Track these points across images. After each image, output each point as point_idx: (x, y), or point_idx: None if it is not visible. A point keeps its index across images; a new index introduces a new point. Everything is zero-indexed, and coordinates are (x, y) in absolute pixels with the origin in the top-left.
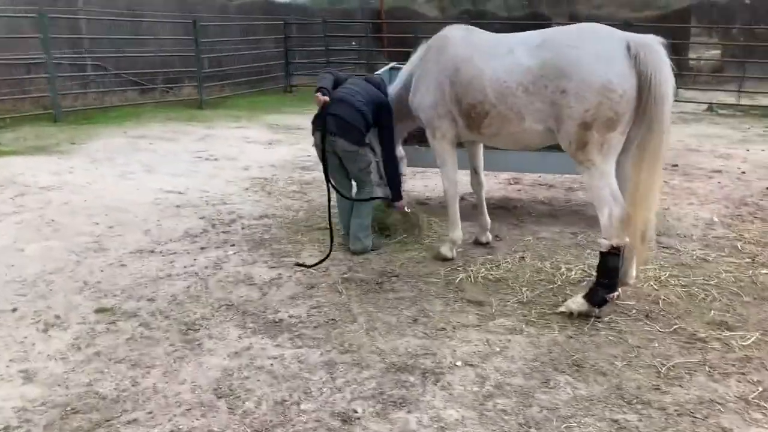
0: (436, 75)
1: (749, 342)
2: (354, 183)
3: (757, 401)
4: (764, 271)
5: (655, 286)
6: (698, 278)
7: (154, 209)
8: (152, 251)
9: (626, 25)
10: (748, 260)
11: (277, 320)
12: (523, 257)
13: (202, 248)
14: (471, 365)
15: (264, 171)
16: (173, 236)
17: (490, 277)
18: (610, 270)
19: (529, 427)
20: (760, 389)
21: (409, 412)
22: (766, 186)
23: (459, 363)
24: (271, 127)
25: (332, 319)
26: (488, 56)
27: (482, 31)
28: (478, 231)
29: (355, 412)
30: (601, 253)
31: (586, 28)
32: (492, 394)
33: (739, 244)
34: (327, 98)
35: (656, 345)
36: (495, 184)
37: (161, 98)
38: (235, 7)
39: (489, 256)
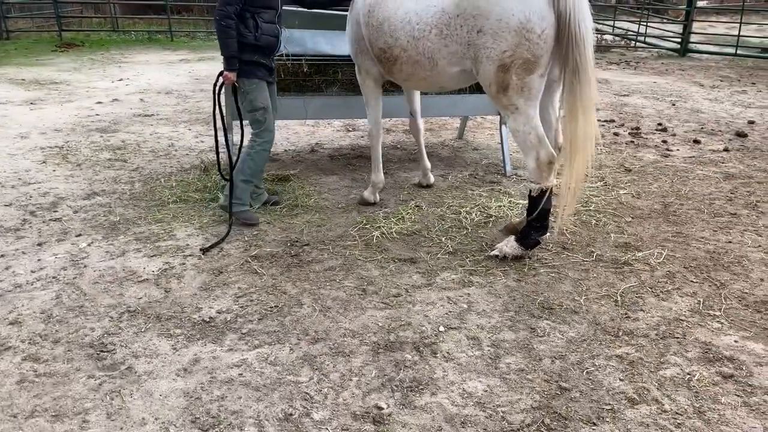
0: (356, 9)
1: (662, 259)
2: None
3: (706, 311)
4: (622, 192)
5: (551, 219)
6: (578, 206)
7: None
8: None
9: None
10: (600, 183)
11: (207, 319)
12: (418, 206)
13: (38, 244)
14: (454, 328)
15: (51, 138)
16: None
17: (404, 231)
18: (541, 212)
19: (558, 382)
20: (700, 299)
21: (433, 394)
22: None
23: (442, 328)
24: (15, 82)
25: (274, 306)
26: None
27: None
28: (420, 174)
29: (380, 408)
30: (531, 196)
31: None
32: (498, 356)
33: None
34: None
35: (595, 275)
36: (332, 132)
37: None
38: None
39: (386, 209)
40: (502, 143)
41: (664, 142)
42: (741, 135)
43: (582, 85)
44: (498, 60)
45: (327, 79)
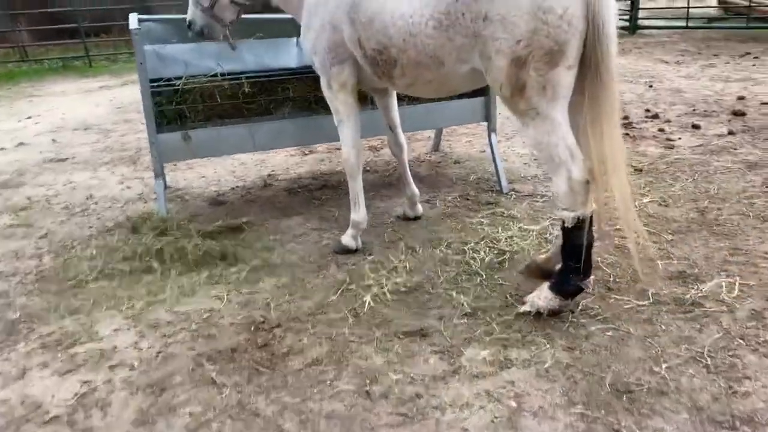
0: (331, 9)
1: (735, 292)
2: None
3: None
4: (646, 200)
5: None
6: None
7: None
8: None
9: None
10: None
11: None
12: (411, 248)
13: None
14: None
15: None
16: None
17: (402, 287)
18: (577, 249)
19: None
20: None
21: None
22: None
23: None
24: None
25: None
26: None
27: None
28: (405, 204)
29: None
30: (566, 228)
31: None
32: None
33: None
34: None
35: (663, 327)
36: (286, 158)
37: None
38: None
39: (372, 257)
40: (493, 154)
41: (662, 131)
42: (738, 114)
43: (605, 89)
44: (510, 53)
45: (275, 98)
